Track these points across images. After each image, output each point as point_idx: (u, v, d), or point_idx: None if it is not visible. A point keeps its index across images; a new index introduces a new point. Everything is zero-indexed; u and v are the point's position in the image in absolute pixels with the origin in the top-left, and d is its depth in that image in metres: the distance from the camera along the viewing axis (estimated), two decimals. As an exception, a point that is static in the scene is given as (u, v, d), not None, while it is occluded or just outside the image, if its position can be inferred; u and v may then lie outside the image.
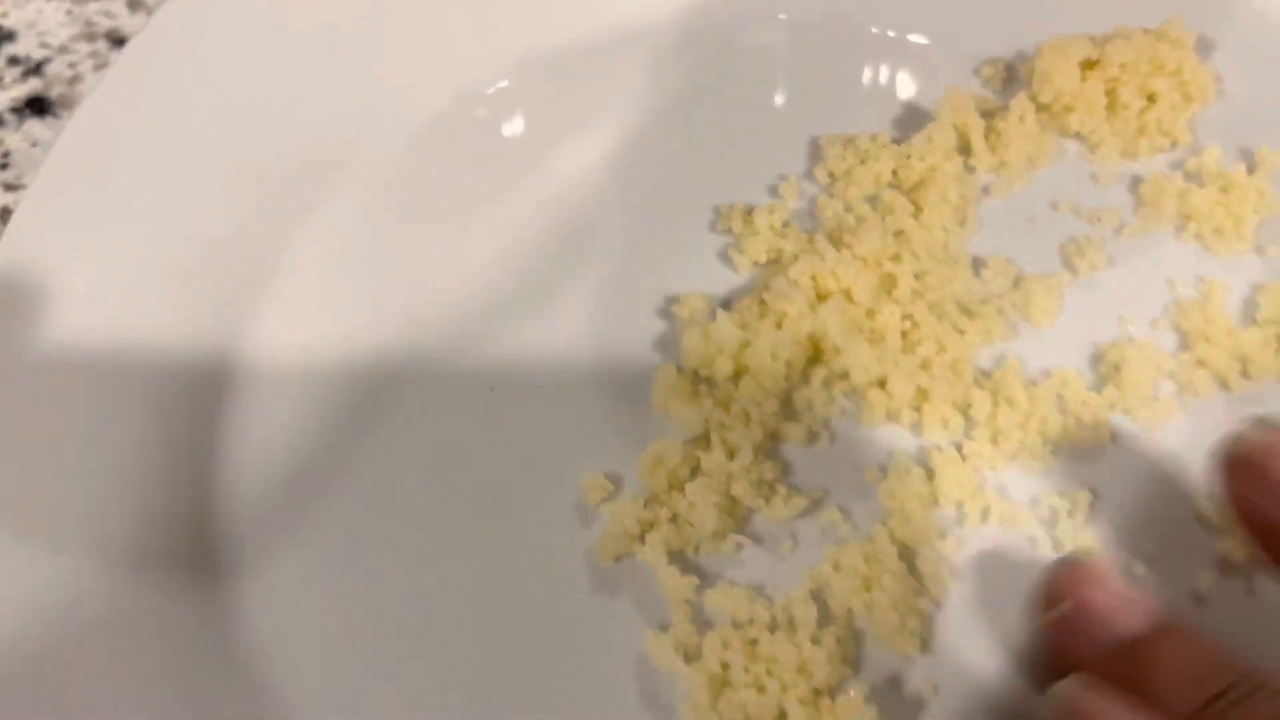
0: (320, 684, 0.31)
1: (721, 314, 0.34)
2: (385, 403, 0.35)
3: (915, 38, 0.40)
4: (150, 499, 0.33)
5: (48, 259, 0.35)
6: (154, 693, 0.31)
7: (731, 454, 0.32)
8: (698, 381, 0.34)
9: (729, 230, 0.37)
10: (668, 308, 0.36)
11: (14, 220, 0.36)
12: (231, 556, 0.33)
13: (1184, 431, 0.33)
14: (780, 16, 0.41)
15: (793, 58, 0.41)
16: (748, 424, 0.33)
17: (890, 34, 0.41)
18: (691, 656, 0.30)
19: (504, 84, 0.40)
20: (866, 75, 0.41)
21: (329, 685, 0.31)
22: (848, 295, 0.34)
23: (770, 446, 0.33)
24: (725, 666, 0.30)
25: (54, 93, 0.43)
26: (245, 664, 0.32)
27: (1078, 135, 0.38)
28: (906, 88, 0.40)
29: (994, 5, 0.40)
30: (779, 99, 0.40)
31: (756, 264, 0.36)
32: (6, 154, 0.42)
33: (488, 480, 0.34)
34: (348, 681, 0.31)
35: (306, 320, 0.37)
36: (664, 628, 0.31)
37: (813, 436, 0.34)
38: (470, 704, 0.31)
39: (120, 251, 0.36)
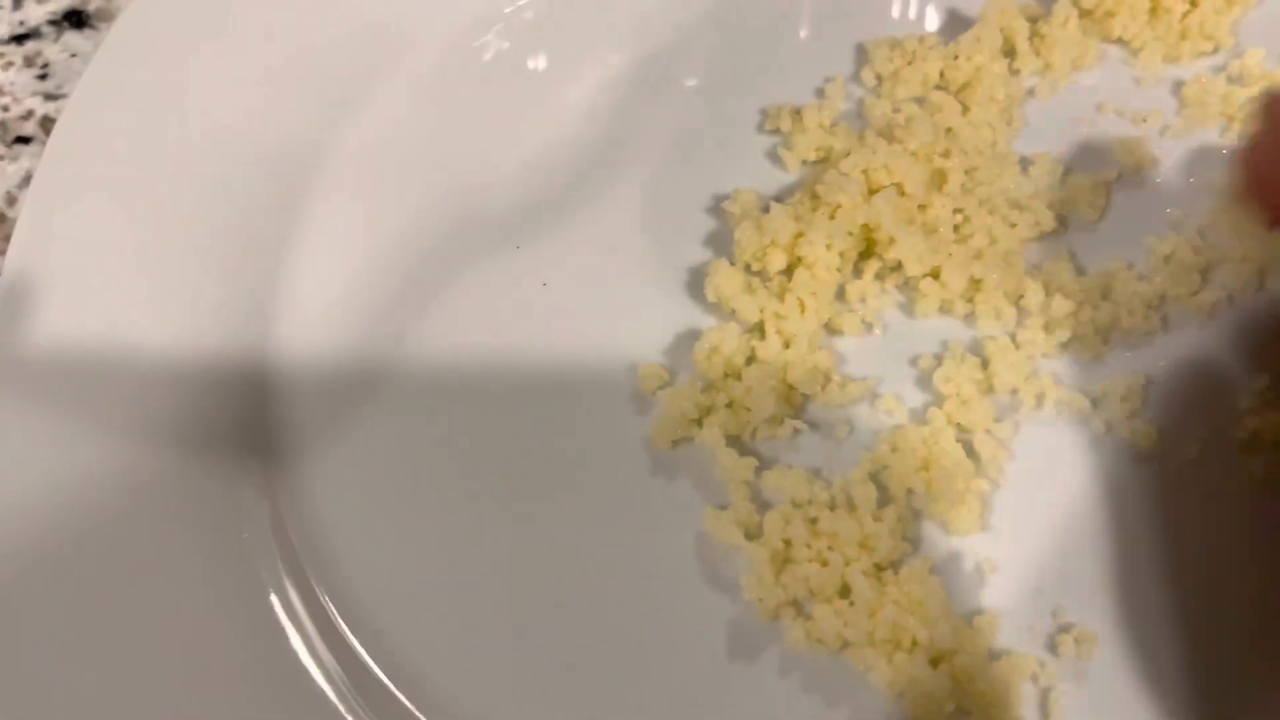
0: (373, 571, 0.32)
1: (775, 206, 0.34)
2: (436, 298, 0.35)
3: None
4: (206, 389, 0.33)
5: (91, 167, 0.35)
6: (208, 578, 0.31)
7: (787, 343, 0.33)
8: (750, 275, 0.34)
9: (777, 130, 0.37)
10: (718, 206, 0.36)
11: (57, 128, 0.35)
12: (285, 443, 0.33)
13: (1232, 318, 0.33)
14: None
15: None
16: (802, 313, 0.33)
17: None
18: (752, 535, 0.30)
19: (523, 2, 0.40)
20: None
21: (383, 572, 0.32)
22: (899, 189, 0.34)
23: (825, 337, 0.33)
24: (787, 543, 0.30)
25: (91, 6, 0.43)
26: (299, 547, 0.32)
27: (1120, 40, 0.38)
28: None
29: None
30: (819, 3, 0.40)
31: (806, 162, 0.37)
32: (46, 65, 0.42)
33: (541, 369, 0.34)
34: (402, 569, 0.32)
35: (356, 217, 0.37)
36: (723, 508, 0.31)
37: (867, 328, 0.34)
38: (529, 589, 0.31)
39: (167, 155, 0.36)
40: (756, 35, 0.40)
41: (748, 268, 0.34)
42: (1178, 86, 0.38)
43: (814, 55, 0.39)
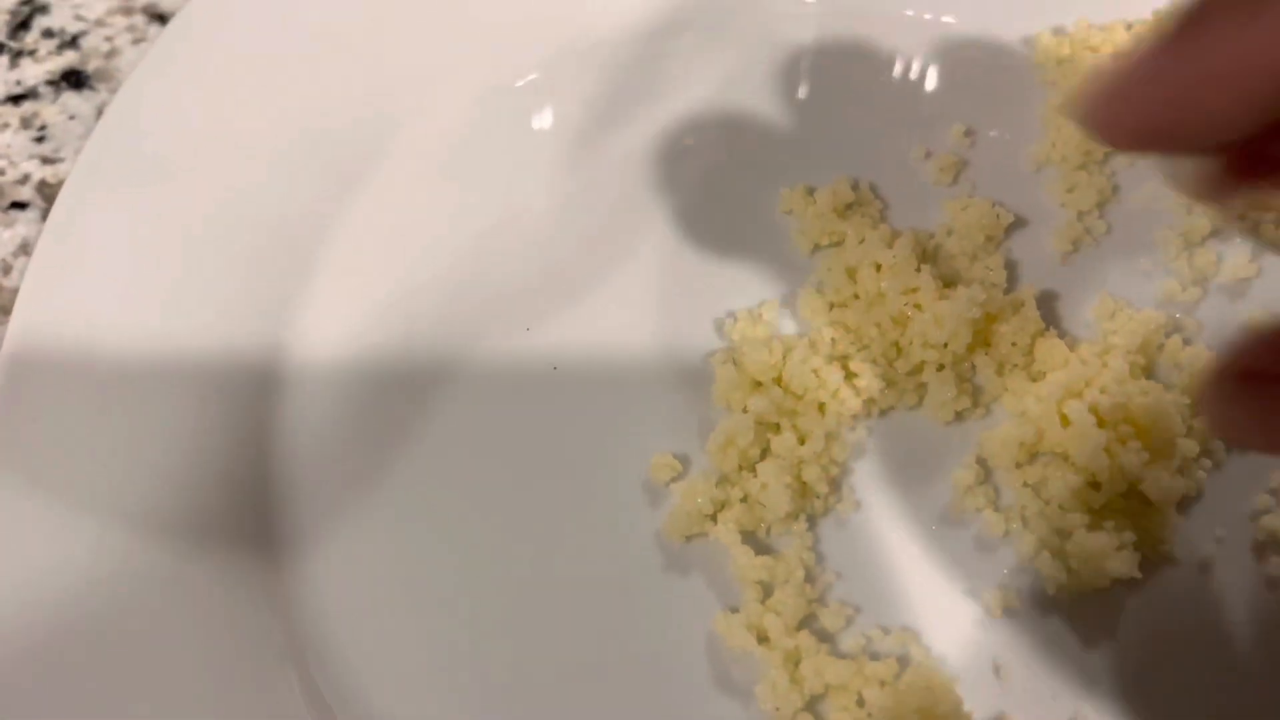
0: (377, 663, 0.31)
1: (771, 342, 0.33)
2: (445, 380, 0.35)
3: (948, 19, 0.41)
4: (206, 479, 0.33)
5: (94, 236, 0.35)
6: (208, 670, 0.30)
7: (802, 439, 0.32)
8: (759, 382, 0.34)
9: (790, 212, 0.37)
10: (727, 288, 0.36)
11: (62, 195, 0.35)
12: (289, 536, 0.33)
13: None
14: (808, 1, 0.41)
15: (826, 43, 0.41)
16: (821, 413, 0.32)
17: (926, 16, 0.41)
18: (764, 637, 0.30)
19: (534, 76, 0.40)
20: (901, 59, 0.40)
21: (386, 664, 0.31)
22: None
23: (842, 435, 0.33)
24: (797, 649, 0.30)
25: (90, 66, 0.43)
26: (301, 644, 0.31)
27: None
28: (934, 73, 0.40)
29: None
30: (811, 86, 0.40)
31: (819, 246, 0.36)
32: (43, 127, 0.41)
33: (552, 459, 0.33)
34: (406, 661, 0.31)
35: (360, 298, 0.36)
36: (734, 609, 0.30)
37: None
38: (538, 685, 0.30)
39: (169, 228, 0.35)
40: (765, 119, 0.39)
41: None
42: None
43: (812, 136, 0.39)
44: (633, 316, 0.36)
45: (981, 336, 0.33)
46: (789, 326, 0.35)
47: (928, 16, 0.41)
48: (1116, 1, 0.39)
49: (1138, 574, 0.30)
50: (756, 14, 0.41)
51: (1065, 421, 0.31)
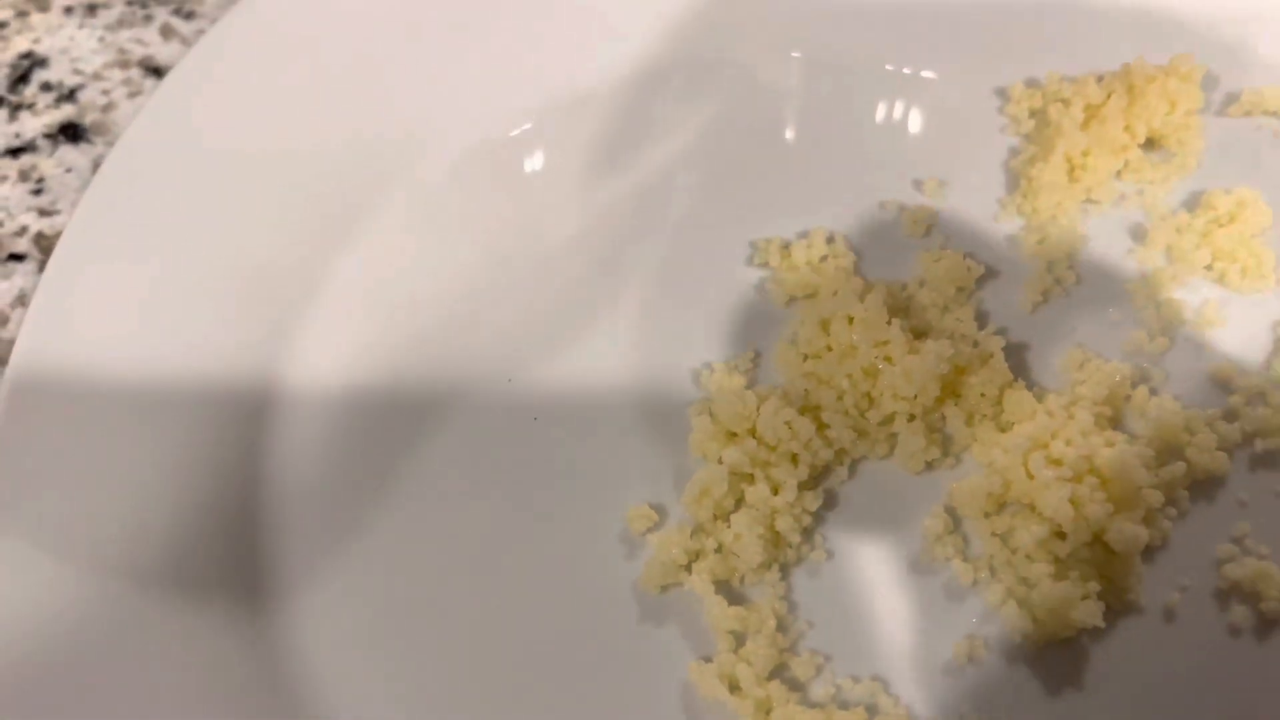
0: (363, 707, 0.31)
1: (734, 395, 0.34)
2: (427, 428, 0.36)
3: (928, 73, 0.42)
4: (192, 521, 0.33)
5: (91, 285, 0.36)
6: (198, 711, 0.31)
7: (775, 489, 0.33)
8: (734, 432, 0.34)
9: (765, 264, 0.38)
10: (705, 339, 0.37)
11: (60, 245, 0.36)
12: (274, 580, 0.33)
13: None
14: (794, 55, 0.42)
15: (808, 94, 0.42)
16: (794, 463, 0.33)
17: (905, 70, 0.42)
18: (735, 686, 0.31)
19: (528, 125, 0.41)
20: (880, 111, 0.41)
21: (372, 708, 0.31)
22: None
23: (814, 484, 0.34)
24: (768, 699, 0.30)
25: (88, 119, 0.44)
26: (288, 687, 0.32)
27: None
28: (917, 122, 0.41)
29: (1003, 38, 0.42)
30: (790, 137, 0.41)
31: (794, 298, 0.37)
32: (41, 180, 0.42)
33: (531, 507, 0.34)
34: (391, 705, 0.31)
35: (347, 346, 0.37)
36: (708, 658, 0.31)
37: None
38: (517, 732, 0.31)
39: (163, 277, 0.36)
40: (745, 168, 0.40)
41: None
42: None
43: (794, 184, 0.40)
44: (612, 366, 0.37)
45: (951, 388, 0.34)
46: (765, 377, 0.36)
47: (906, 70, 0.42)
48: (1088, 54, 0.40)
49: (1102, 623, 0.31)
50: (739, 66, 0.42)
51: (1030, 474, 0.32)
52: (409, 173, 0.40)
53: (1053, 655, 0.31)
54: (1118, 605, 0.32)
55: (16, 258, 0.40)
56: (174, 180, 0.38)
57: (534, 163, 0.41)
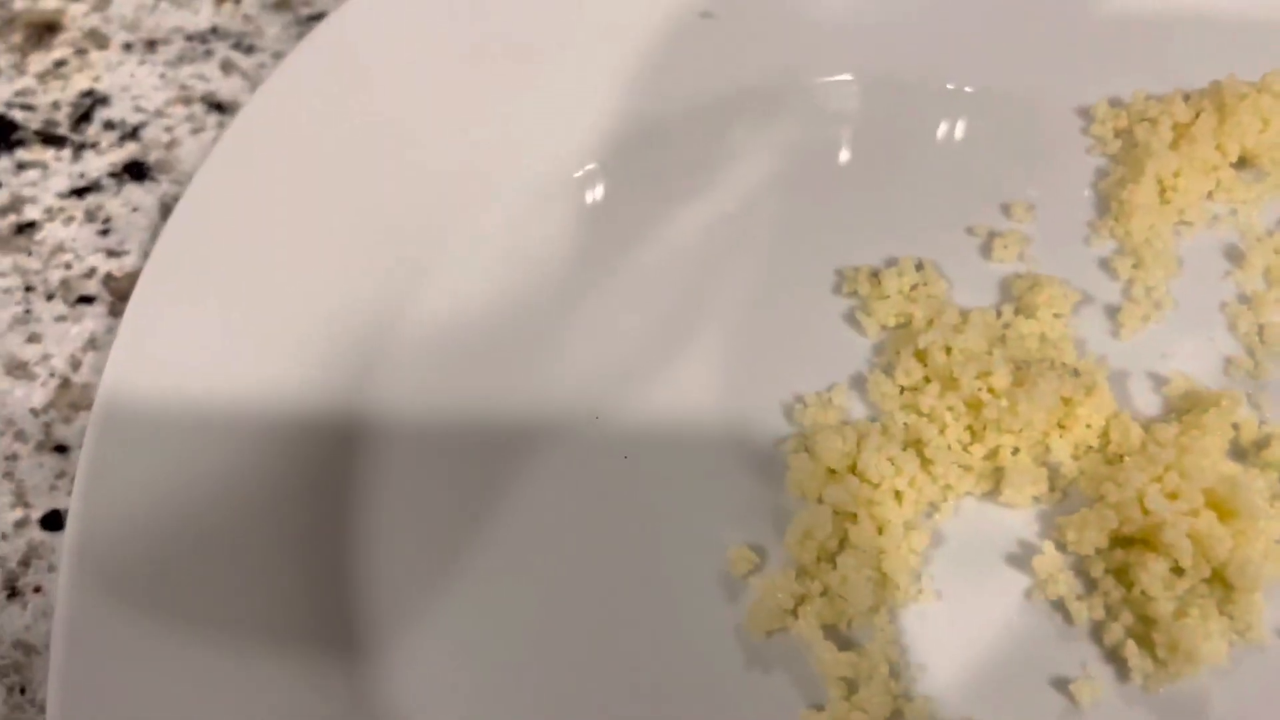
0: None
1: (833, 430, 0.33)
2: (514, 468, 0.35)
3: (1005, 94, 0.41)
4: (285, 579, 0.33)
5: (171, 325, 0.35)
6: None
7: (881, 529, 0.32)
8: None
9: (854, 293, 0.37)
10: (793, 371, 0.36)
11: (139, 285, 0.35)
12: (369, 632, 0.32)
13: None
14: (861, 79, 0.42)
15: (880, 119, 0.41)
16: (899, 501, 0.32)
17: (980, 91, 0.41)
18: (854, 738, 0.30)
19: (592, 166, 0.40)
20: (959, 133, 0.41)
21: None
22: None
23: (919, 522, 0.33)
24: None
25: (151, 157, 0.43)
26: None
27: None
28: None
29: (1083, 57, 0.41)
30: (871, 160, 0.41)
31: (885, 327, 0.36)
32: (108, 220, 0.42)
33: (626, 549, 0.33)
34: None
35: (429, 385, 0.36)
36: (819, 706, 0.30)
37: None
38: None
39: (243, 318, 0.36)
40: (823, 194, 0.39)
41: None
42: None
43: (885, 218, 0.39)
44: (699, 400, 0.36)
45: (1056, 419, 0.33)
46: (858, 410, 0.35)
47: (981, 91, 0.41)
48: (1172, 72, 0.40)
49: (1227, 662, 0.30)
50: (805, 91, 0.42)
51: (1146, 509, 0.31)
52: (484, 209, 0.39)
53: (1175, 695, 0.30)
54: (1240, 642, 0.31)
55: (86, 299, 0.40)
56: (250, 220, 0.37)
57: (607, 196, 0.40)
